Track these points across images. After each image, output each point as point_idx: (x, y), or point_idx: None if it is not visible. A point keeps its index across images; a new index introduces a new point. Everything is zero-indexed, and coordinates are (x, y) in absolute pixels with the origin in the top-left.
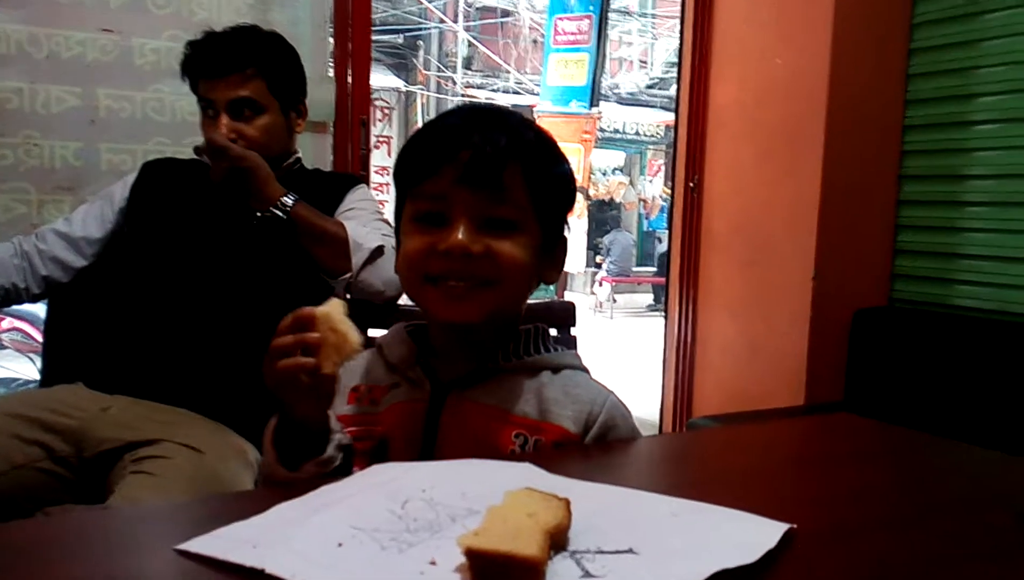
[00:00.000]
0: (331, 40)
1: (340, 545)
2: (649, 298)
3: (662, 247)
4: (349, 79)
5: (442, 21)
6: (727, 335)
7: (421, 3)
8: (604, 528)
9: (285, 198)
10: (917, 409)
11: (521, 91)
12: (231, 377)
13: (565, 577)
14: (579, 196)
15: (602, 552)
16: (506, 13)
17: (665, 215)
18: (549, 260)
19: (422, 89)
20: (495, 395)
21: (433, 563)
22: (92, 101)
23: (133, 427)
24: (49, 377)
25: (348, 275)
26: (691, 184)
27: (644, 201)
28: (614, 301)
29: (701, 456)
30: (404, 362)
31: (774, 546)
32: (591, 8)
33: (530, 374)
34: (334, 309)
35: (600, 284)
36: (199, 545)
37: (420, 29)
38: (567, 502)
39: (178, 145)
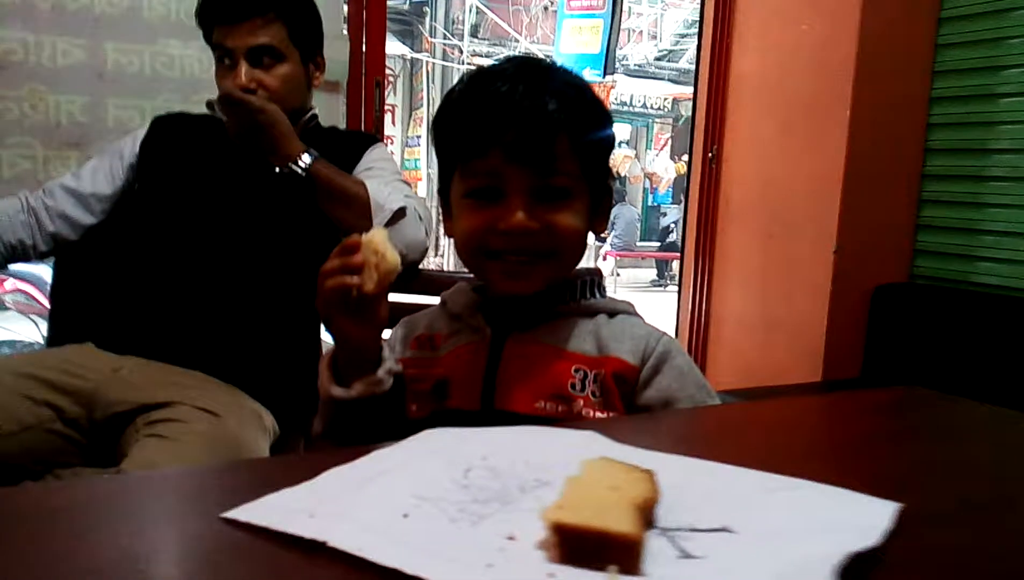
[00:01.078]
0: None
1: (406, 516)
2: (652, 273)
3: (665, 220)
4: (363, 38)
5: None
6: (743, 309)
7: None
8: (692, 503)
9: (304, 155)
10: (936, 388)
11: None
12: (246, 339)
13: (660, 557)
14: None
15: (696, 530)
16: None
17: (672, 189)
18: (598, 213)
19: (428, 57)
20: (554, 335)
21: (512, 538)
22: (99, 55)
23: (145, 389)
24: (56, 337)
25: None
26: (710, 155)
27: (650, 176)
28: (617, 275)
29: (766, 428)
30: (465, 310)
31: (890, 527)
32: None
33: (586, 317)
34: (376, 234)
35: (604, 258)
36: (248, 514)
37: None
38: (651, 474)
39: (187, 103)
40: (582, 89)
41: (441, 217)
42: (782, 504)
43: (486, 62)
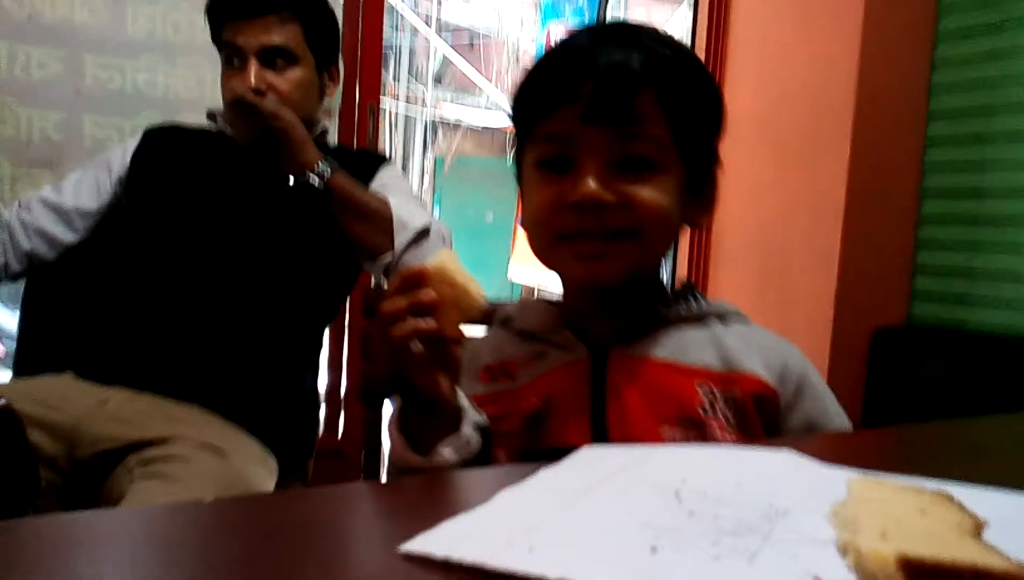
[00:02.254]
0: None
1: (655, 550)
2: None
3: None
4: (358, 60)
5: (414, 35)
6: None
7: (401, 15)
8: (1004, 533)
9: (321, 164)
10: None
11: (493, 107)
12: (248, 372)
13: None
14: None
15: None
16: (475, 32)
17: None
18: (696, 201)
19: (391, 102)
20: (665, 347)
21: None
22: (78, 68)
23: (137, 424)
24: (27, 366)
25: (389, 257)
26: None
27: None
28: None
29: (966, 450)
30: (547, 328)
31: None
32: (586, 17)
33: (697, 325)
34: (448, 260)
35: None
36: (433, 545)
37: (391, 43)
38: (948, 496)
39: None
40: (679, 48)
41: (519, 211)
42: None
43: (450, 111)
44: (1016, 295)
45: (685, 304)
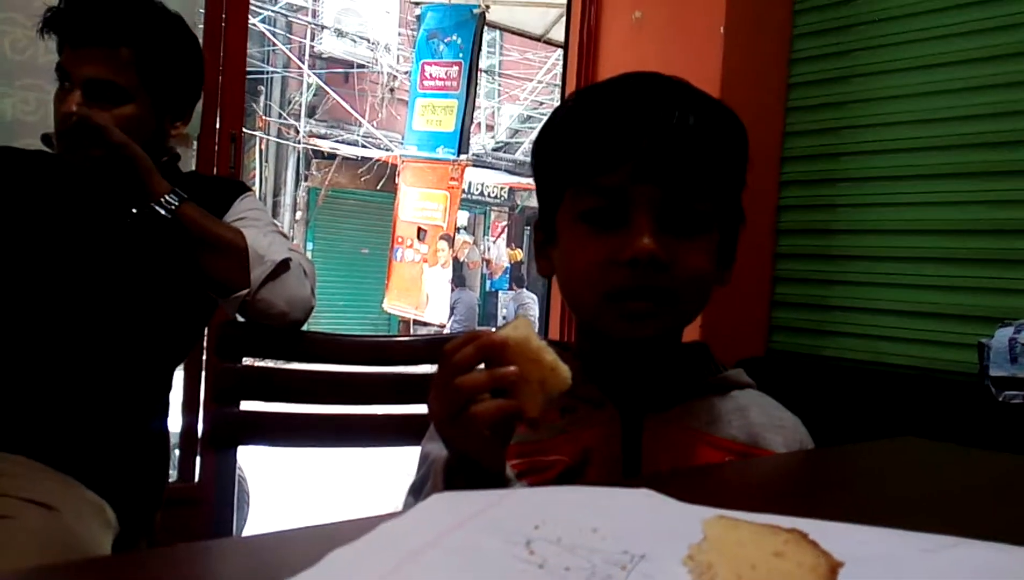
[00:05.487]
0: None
1: None
2: None
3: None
4: (219, 87)
5: (287, 66)
6: None
7: (273, 45)
8: (858, 572)
9: (169, 196)
10: None
11: (368, 145)
12: (82, 416)
13: None
14: (445, 244)
15: None
16: (349, 64)
17: (508, 276)
18: (726, 261)
19: (262, 134)
20: (696, 417)
21: None
22: None
23: None
24: None
25: (245, 292)
26: None
27: (488, 261)
28: None
29: (837, 480)
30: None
31: None
32: (460, 55)
33: (719, 394)
34: (531, 333)
35: None
36: None
37: (262, 73)
38: (803, 535)
39: None
40: (719, 105)
41: (534, 254)
42: (949, 565)
43: (324, 143)
44: (867, 325)
45: (707, 370)
